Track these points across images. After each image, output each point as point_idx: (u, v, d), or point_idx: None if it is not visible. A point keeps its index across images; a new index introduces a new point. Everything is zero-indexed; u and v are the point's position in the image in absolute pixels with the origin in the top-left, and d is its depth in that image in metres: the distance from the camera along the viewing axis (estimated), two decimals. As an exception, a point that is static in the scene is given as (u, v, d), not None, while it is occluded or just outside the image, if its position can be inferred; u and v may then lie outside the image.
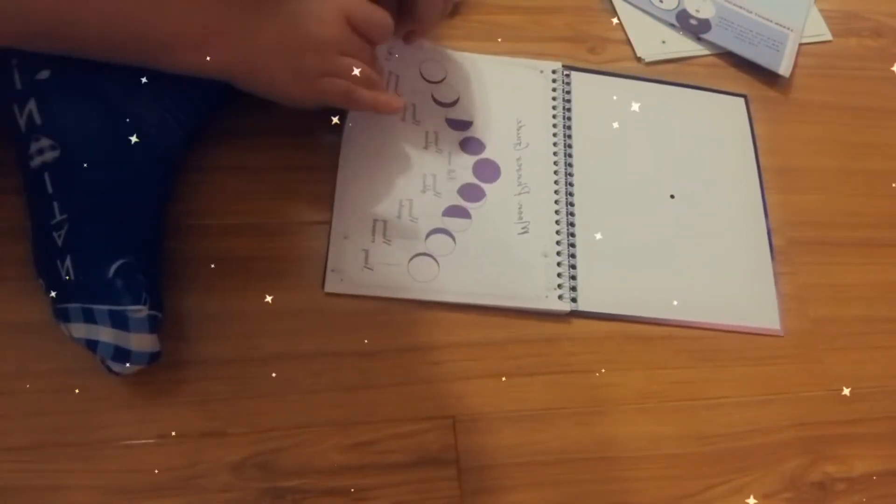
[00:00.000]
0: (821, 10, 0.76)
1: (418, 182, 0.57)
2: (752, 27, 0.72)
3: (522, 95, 0.64)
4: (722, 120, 0.67)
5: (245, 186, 0.55)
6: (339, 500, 0.47)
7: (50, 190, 0.46)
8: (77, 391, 0.47)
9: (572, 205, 0.59)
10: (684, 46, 0.70)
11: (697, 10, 0.72)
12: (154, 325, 0.45)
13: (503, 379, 0.52)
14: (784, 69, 0.70)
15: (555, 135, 0.62)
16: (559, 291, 0.55)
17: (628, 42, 0.69)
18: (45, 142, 0.47)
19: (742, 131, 0.66)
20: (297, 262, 0.53)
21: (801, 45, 0.72)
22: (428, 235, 0.55)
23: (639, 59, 0.68)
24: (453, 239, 0.56)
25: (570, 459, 0.51)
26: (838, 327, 0.59)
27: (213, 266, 0.52)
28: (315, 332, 0.51)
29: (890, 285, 0.62)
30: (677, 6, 0.72)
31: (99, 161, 0.47)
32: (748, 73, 0.70)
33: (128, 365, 0.45)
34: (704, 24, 0.71)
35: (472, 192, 0.58)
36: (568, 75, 0.65)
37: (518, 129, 0.61)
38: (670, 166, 0.63)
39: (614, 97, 0.64)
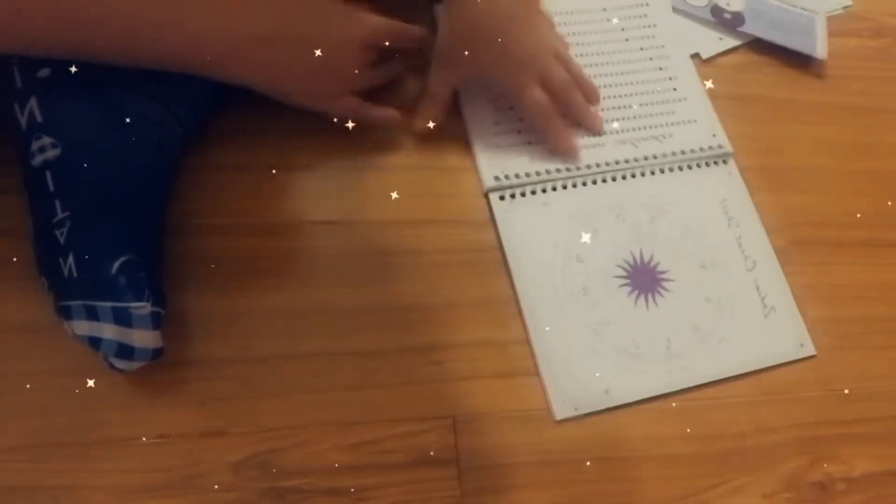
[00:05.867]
0: (820, 11, 0.76)
1: None
2: (781, 14, 0.73)
3: None
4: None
5: (245, 186, 0.55)
6: (339, 500, 0.47)
7: (51, 188, 0.46)
8: (77, 391, 0.47)
9: None
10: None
11: (728, 3, 0.73)
12: (157, 322, 0.45)
13: (503, 379, 0.52)
14: (820, 52, 0.71)
15: None
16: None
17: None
18: (46, 140, 0.47)
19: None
20: (298, 261, 0.53)
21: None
22: None
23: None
24: None
25: (570, 459, 0.51)
26: (838, 327, 0.59)
27: (213, 266, 0.52)
28: (315, 332, 0.51)
29: (890, 285, 0.62)
30: (708, 2, 0.73)
31: (100, 159, 0.47)
32: (776, 65, 0.71)
33: (131, 362, 0.45)
34: (738, 18, 0.72)
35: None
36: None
37: None
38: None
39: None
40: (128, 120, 0.48)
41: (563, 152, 0.60)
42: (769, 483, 0.53)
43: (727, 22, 0.72)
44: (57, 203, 0.46)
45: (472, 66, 0.58)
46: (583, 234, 0.58)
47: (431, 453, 0.49)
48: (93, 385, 0.47)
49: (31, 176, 0.47)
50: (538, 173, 0.60)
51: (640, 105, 0.65)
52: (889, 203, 0.66)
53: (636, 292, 0.57)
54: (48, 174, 0.46)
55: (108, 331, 0.44)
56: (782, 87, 0.70)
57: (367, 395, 0.50)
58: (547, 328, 0.54)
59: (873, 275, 0.62)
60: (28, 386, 0.46)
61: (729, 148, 0.64)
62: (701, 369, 0.55)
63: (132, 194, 0.48)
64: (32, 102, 0.47)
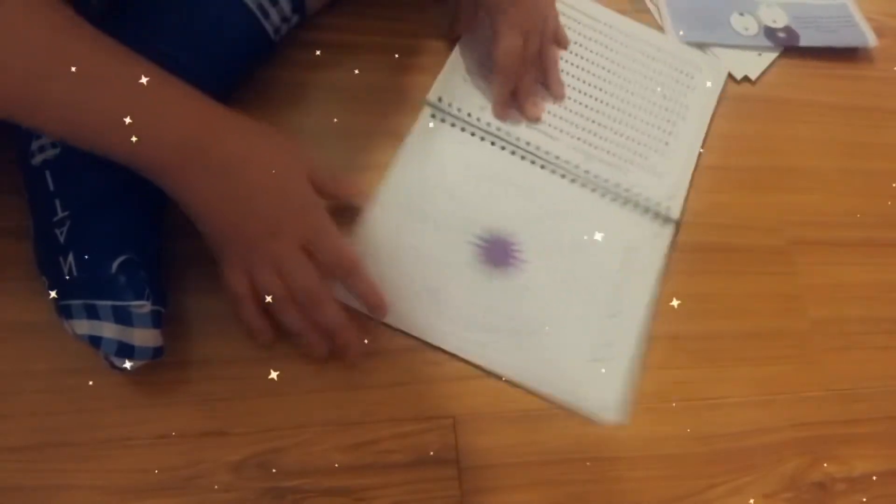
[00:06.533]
0: (822, 11, 0.76)
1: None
2: (819, 12, 0.74)
3: None
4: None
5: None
6: (339, 500, 0.47)
7: (51, 187, 0.46)
8: (77, 391, 0.47)
9: None
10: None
11: (775, 21, 0.73)
12: (157, 320, 0.45)
13: (503, 379, 0.52)
14: (871, 39, 0.73)
15: None
16: None
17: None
18: (45, 139, 0.47)
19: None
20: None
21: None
22: None
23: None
24: None
25: (570, 459, 0.51)
26: (838, 327, 0.60)
27: (213, 266, 0.51)
28: (315, 331, 0.51)
29: (890, 285, 0.62)
30: (759, 28, 0.72)
31: (99, 158, 0.47)
32: (776, 65, 0.71)
33: (131, 361, 0.45)
34: (792, 34, 0.72)
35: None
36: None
37: None
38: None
39: None
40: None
41: (495, 110, 0.61)
42: (769, 483, 0.53)
43: (783, 40, 0.72)
44: (57, 202, 0.46)
45: None
46: (473, 186, 0.58)
47: (431, 453, 0.49)
48: (93, 385, 0.47)
49: (30, 175, 0.47)
50: (479, 119, 0.61)
51: (623, 136, 0.63)
52: (889, 203, 0.66)
53: (486, 264, 0.56)
54: (48, 174, 0.46)
55: (109, 330, 0.44)
56: (783, 87, 0.70)
57: (367, 395, 0.50)
58: (380, 243, 0.54)
59: (873, 275, 0.63)
60: (28, 386, 0.46)
61: (674, 217, 0.60)
62: (507, 361, 0.53)
63: (132, 192, 0.48)
64: (32, 102, 0.47)
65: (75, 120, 0.42)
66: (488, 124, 0.61)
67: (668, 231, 0.60)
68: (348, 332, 0.49)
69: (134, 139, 0.42)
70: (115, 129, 0.42)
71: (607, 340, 0.55)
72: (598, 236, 0.58)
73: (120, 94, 0.43)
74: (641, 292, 0.57)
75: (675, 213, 0.60)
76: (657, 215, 0.60)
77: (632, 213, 0.60)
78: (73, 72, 0.40)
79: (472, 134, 0.60)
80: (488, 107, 0.62)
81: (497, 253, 0.56)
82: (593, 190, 0.60)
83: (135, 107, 0.42)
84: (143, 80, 0.42)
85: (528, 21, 0.60)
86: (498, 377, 0.52)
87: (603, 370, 0.54)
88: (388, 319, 0.52)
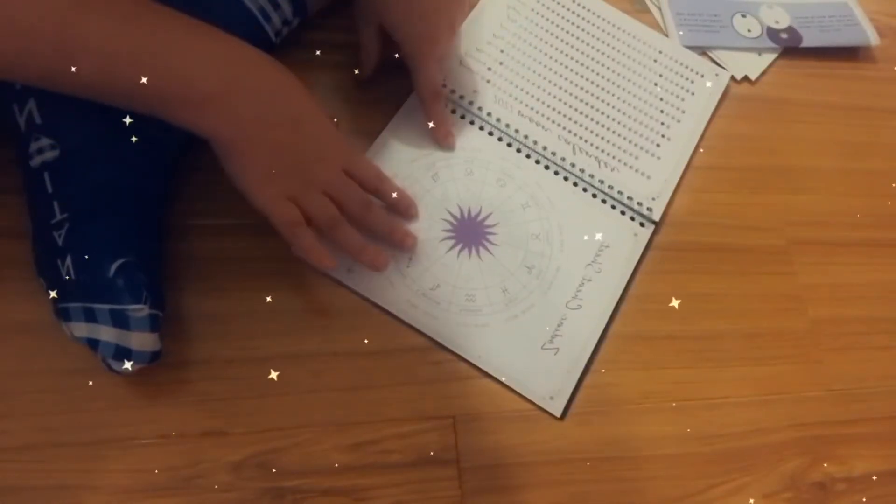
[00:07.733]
0: (821, 11, 0.76)
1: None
2: (821, 12, 0.74)
3: None
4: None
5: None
6: (339, 500, 0.47)
7: (50, 189, 0.46)
8: (77, 391, 0.47)
9: None
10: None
11: (777, 22, 0.73)
12: (155, 324, 0.45)
13: (503, 379, 0.52)
14: (873, 38, 0.73)
15: None
16: None
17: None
18: (44, 141, 0.47)
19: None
20: (298, 262, 0.53)
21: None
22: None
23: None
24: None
25: (570, 459, 0.51)
26: (838, 327, 0.60)
27: (213, 266, 0.52)
28: (315, 332, 0.51)
29: (890, 285, 0.62)
30: (762, 29, 0.72)
31: (99, 160, 0.47)
32: (776, 65, 0.71)
33: (129, 364, 0.45)
34: (794, 35, 0.72)
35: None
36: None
37: None
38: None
39: None
40: (126, 121, 0.48)
41: (439, 139, 0.59)
42: (769, 483, 0.53)
43: (786, 41, 0.71)
44: (55, 204, 0.46)
45: (385, 21, 0.56)
46: (457, 166, 0.59)
47: (431, 453, 0.49)
48: (92, 385, 0.47)
49: (29, 177, 0.47)
50: (471, 103, 0.61)
51: (616, 134, 0.63)
52: (889, 203, 0.66)
53: (455, 242, 0.56)
54: (46, 175, 0.46)
55: (106, 333, 0.44)
56: (783, 87, 0.70)
57: (367, 395, 0.50)
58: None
59: (873, 275, 0.63)
60: (28, 386, 0.47)
61: (655, 219, 0.60)
62: (457, 338, 0.53)
63: (130, 195, 0.48)
64: (31, 104, 0.47)
65: (116, 61, 0.41)
66: (479, 108, 0.61)
67: (647, 232, 0.60)
68: (402, 227, 0.55)
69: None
70: (158, 60, 0.42)
71: (559, 332, 0.55)
72: (575, 230, 0.58)
73: (160, 29, 0.43)
74: (610, 290, 0.57)
75: (657, 216, 0.60)
76: (638, 216, 0.60)
77: (612, 211, 0.60)
78: (109, 14, 0.41)
79: (463, 116, 0.61)
80: (481, 90, 0.62)
81: (469, 233, 0.57)
82: (576, 184, 0.60)
83: (177, 40, 0.43)
84: (178, 20, 0.44)
85: (440, 48, 0.56)
86: (492, 376, 0.52)
87: (553, 359, 0.54)
88: (348, 282, 0.53)
